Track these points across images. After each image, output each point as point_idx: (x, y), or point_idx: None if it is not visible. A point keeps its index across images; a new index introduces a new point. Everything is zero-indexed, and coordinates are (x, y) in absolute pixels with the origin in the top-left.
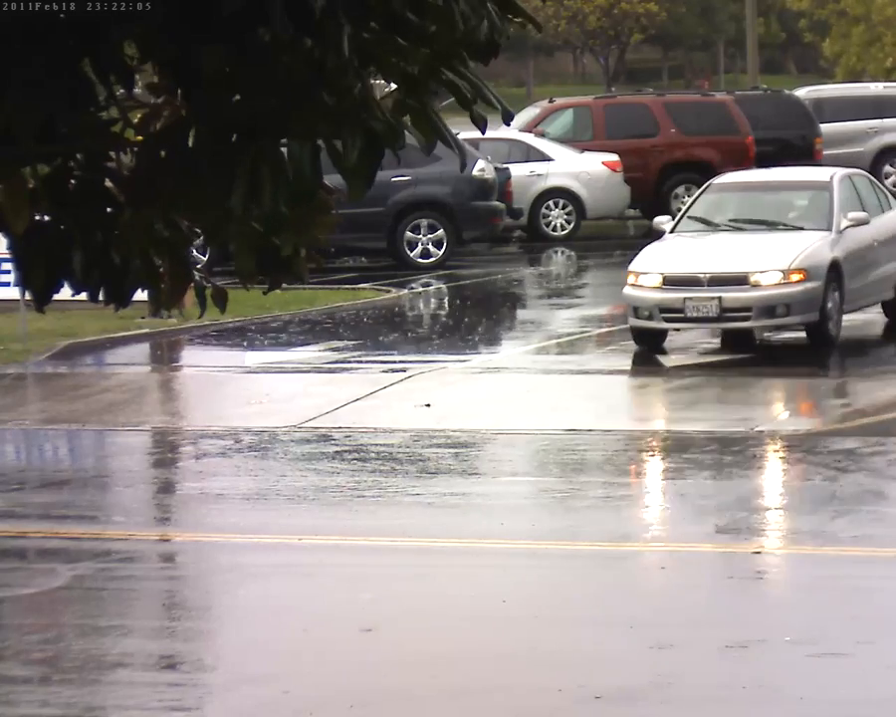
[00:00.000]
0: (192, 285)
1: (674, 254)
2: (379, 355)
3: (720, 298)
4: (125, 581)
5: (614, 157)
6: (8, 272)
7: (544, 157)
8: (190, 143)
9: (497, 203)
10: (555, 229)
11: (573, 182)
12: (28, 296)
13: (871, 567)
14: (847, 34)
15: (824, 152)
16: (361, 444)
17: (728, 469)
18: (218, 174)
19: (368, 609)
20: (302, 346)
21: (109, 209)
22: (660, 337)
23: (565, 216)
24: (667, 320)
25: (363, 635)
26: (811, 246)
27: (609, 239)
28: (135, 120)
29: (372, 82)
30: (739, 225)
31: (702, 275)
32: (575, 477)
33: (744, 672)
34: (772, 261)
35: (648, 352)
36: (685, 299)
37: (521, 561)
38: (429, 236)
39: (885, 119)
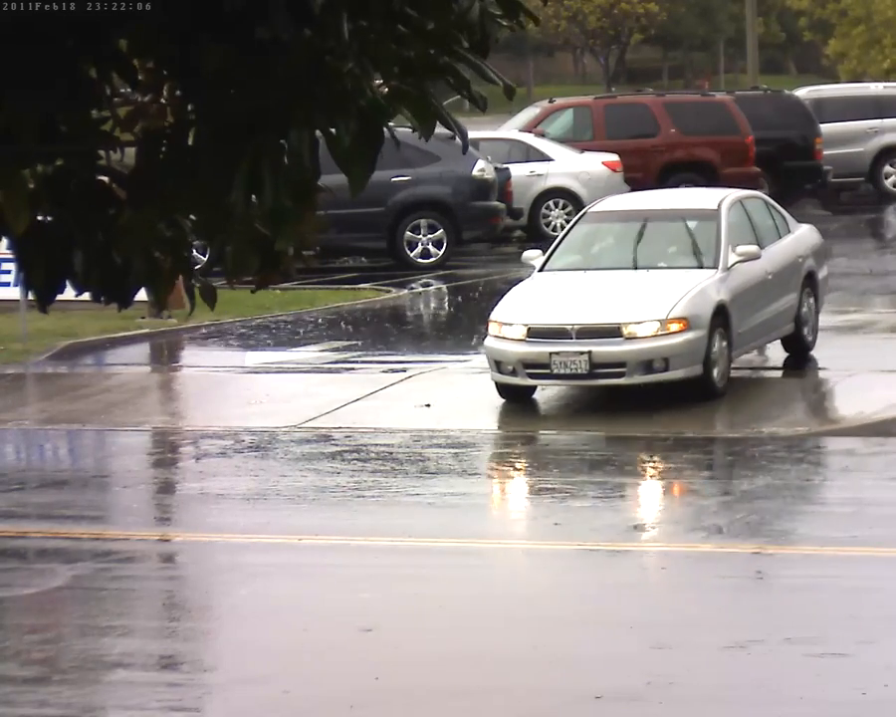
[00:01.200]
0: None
1: (540, 301)
2: (379, 355)
3: (590, 352)
4: (125, 581)
5: (614, 157)
6: (8, 272)
7: (544, 157)
8: (190, 142)
9: (497, 203)
10: (555, 229)
11: (573, 182)
12: (30, 296)
13: (871, 567)
14: (848, 34)
15: (824, 152)
16: (361, 444)
17: (728, 469)
18: (218, 172)
19: (368, 609)
20: (302, 346)
21: (109, 209)
22: (528, 391)
23: (565, 216)
24: (532, 376)
25: (363, 635)
26: (694, 290)
27: None
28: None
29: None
30: (614, 264)
31: (570, 326)
32: (576, 477)
33: (743, 672)
34: (648, 309)
35: (516, 406)
36: (551, 354)
37: (521, 561)
38: (429, 236)
39: (885, 119)
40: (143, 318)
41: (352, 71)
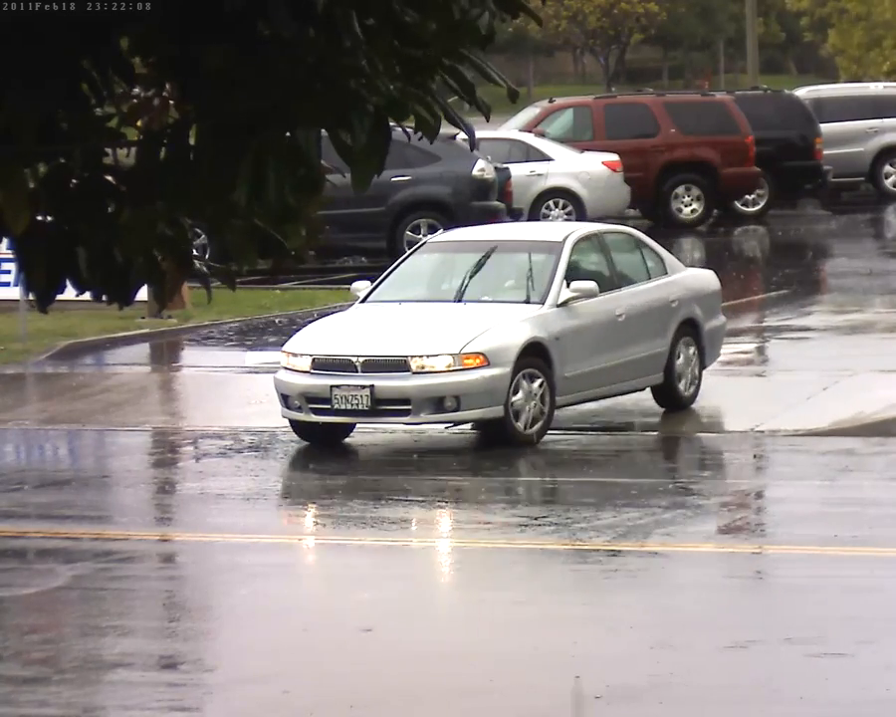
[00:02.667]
0: (195, 280)
1: (336, 331)
2: None
3: (372, 386)
4: (125, 581)
5: (614, 157)
6: (8, 272)
7: (544, 157)
8: (192, 140)
9: (497, 203)
10: None
11: (573, 182)
12: (30, 297)
13: (871, 567)
14: (848, 31)
15: (824, 152)
16: (362, 444)
17: (728, 469)
18: (220, 170)
19: (368, 609)
20: None
21: (110, 207)
22: (336, 430)
23: (565, 216)
24: (315, 411)
25: (363, 635)
26: (500, 324)
27: None
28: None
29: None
30: (438, 297)
31: (355, 358)
32: (574, 476)
33: (744, 672)
34: (442, 342)
35: (318, 448)
36: (332, 387)
37: (521, 560)
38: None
39: (885, 119)
40: (143, 318)
41: (363, 68)
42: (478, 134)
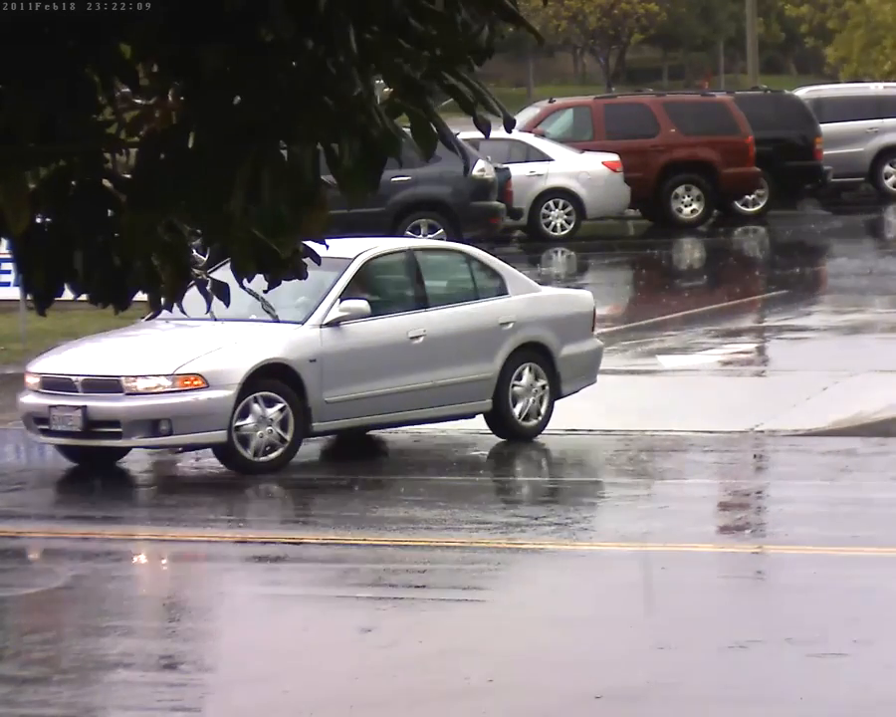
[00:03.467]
0: (194, 283)
1: (77, 351)
2: None
3: (85, 407)
4: (125, 581)
5: (614, 157)
6: (8, 272)
7: (544, 157)
8: (190, 145)
9: (497, 203)
10: (555, 229)
11: (573, 182)
12: (29, 298)
13: (871, 567)
14: (849, 38)
15: (824, 152)
16: (362, 444)
17: (728, 469)
18: (218, 176)
19: (368, 610)
20: None
21: (109, 210)
22: (111, 451)
23: (565, 216)
24: (43, 432)
25: (363, 635)
26: (232, 344)
27: (609, 239)
28: (127, 122)
29: (376, 83)
30: (208, 315)
31: (74, 377)
32: (575, 477)
33: (744, 672)
34: (159, 363)
35: (82, 470)
36: (50, 407)
37: (520, 560)
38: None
39: (885, 119)
40: (143, 318)
41: (360, 93)
42: (478, 134)
